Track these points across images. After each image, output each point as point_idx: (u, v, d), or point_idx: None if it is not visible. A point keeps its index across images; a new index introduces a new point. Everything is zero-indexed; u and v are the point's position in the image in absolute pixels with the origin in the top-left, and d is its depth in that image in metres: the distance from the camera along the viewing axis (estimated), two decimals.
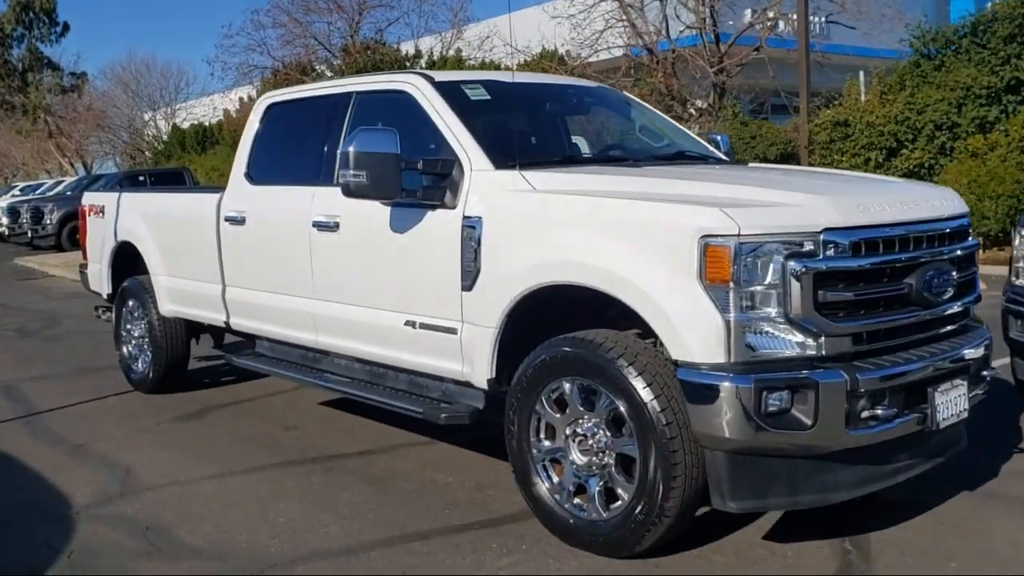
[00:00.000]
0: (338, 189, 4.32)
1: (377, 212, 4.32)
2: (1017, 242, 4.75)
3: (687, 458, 3.28)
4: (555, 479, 3.70)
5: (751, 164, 6.17)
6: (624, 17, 17.37)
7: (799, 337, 3.20)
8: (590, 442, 3.55)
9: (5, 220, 23.40)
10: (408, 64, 21.87)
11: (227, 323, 5.71)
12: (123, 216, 6.60)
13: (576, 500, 3.63)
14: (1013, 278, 4.77)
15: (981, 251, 10.76)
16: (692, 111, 17.41)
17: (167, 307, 6.18)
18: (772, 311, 3.18)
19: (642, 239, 3.37)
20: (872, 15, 16.94)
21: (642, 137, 5.21)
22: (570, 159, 4.75)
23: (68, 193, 23.74)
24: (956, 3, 21.62)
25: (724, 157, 5.10)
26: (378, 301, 4.48)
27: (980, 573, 3.38)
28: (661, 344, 3.38)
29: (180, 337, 6.37)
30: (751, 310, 3.18)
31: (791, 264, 3.16)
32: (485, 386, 3.99)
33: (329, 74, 22.64)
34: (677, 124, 5.61)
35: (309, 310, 4.90)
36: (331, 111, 4.94)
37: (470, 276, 3.96)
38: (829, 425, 3.18)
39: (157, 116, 39.28)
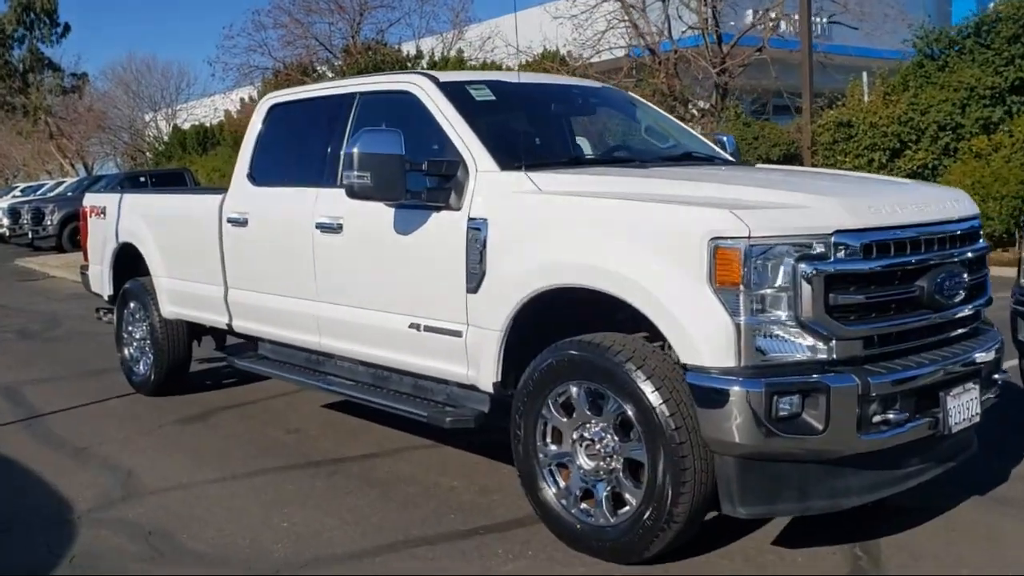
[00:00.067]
0: (342, 190, 4.28)
1: (381, 214, 4.29)
2: None
3: (696, 463, 3.24)
4: (562, 484, 3.66)
5: (758, 165, 6.13)
6: (626, 17, 17.34)
7: (810, 340, 3.15)
8: (597, 447, 3.51)
9: (6, 221, 23.38)
10: (409, 65, 21.84)
11: (229, 325, 5.68)
12: (124, 217, 6.57)
13: (583, 505, 3.59)
14: (1021, 280, 4.73)
15: None
16: (694, 112, 17.38)
17: (169, 309, 6.15)
18: (783, 314, 3.14)
19: (650, 241, 3.33)
20: (875, 15, 16.90)
21: (648, 138, 5.17)
22: (576, 160, 4.72)
23: (69, 194, 23.71)
24: (958, 4, 21.59)
25: (730, 158, 5.07)
26: (382, 303, 4.45)
27: None
28: (669, 348, 3.34)
29: (182, 339, 6.34)
30: (761, 313, 3.14)
31: (802, 266, 3.12)
32: (491, 390, 3.95)
33: (330, 75, 22.61)
34: (683, 125, 5.57)
35: (312, 312, 4.86)
36: (334, 112, 4.90)
37: (475, 278, 3.92)
38: (840, 430, 3.13)
39: (158, 117, 39.27)
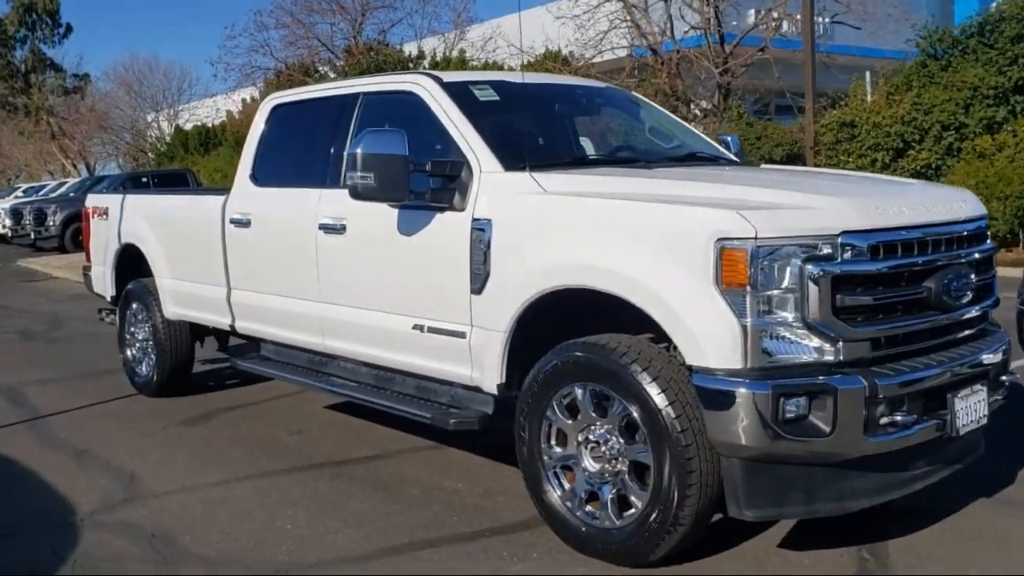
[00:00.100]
0: (345, 191, 4.27)
1: (384, 214, 4.27)
2: None
3: (702, 465, 3.22)
4: (567, 486, 3.64)
5: (763, 165, 6.11)
6: (628, 17, 17.32)
7: (817, 342, 3.13)
8: (603, 449, 3.49)
9: (8, 221, 23.39)
10: (411, 65, 21.82)
11: (232, 326, 5.66)
12: (127, 218, 6.55)
13: (588, 508, 3.57)
14: None
15: None
16: (697, 112, 17.35)
17: (171, 310, 6.13)
18: (789, 315, 3.12)
19: (656, 242, 3.30)
20: (878, 15, 16.87)
21: (652, 138, 5.15)
22: (581, 160, 4.69)
23: (71, 194, 23.71)
24: (960, 4, 21.55)
25: (735, 158, 5.04)
26: (385, 304, 4.43)
27: None
28: (675, 349, 3.32)
29: (184, 340, 6.33)
30: (768, 314, 3.12)
31: (809, 267, 3.10)
32: (495, 391, 3.93)
33: (332, 75, 22.60)
34: (687, 125, 5.55)
35: (315, 313, 4.85)
36: (337, 112, 4.88)
37: (479, 279, 3.90)
38: (847, 432, 3.11)
39: (160, 117, 39.27)
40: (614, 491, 3.48)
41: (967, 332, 3.63)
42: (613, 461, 3.47)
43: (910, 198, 3.60)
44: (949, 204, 3.67)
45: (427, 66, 21.76)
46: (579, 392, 3.54)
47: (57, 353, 8.72)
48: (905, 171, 13.25)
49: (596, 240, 3.49)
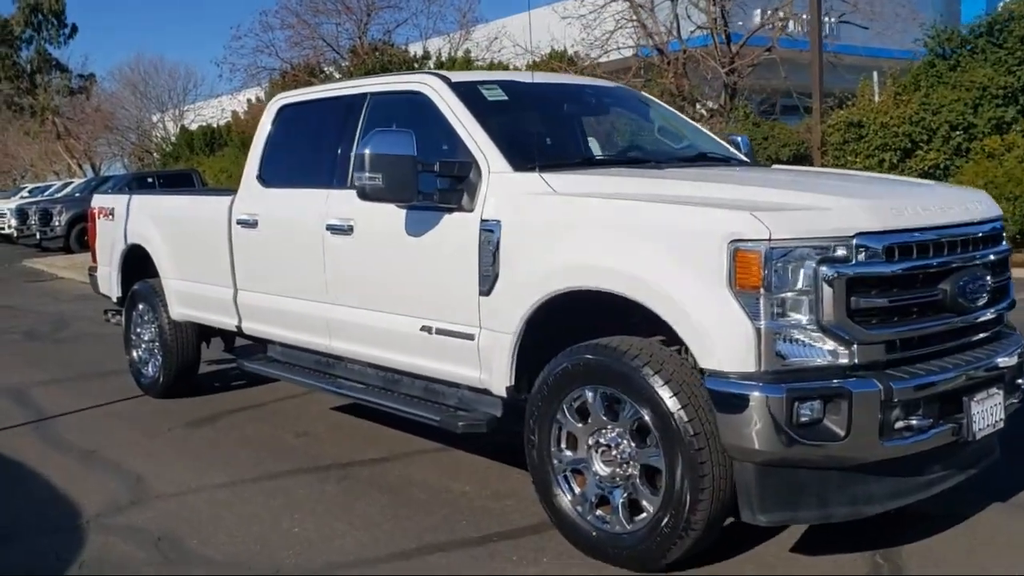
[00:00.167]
0: (352, 192, 4.24)
1: (392, 215, 4.24)
2: None
3: (715, 470, 3.18)
4: (577, 490, 3.60)
5: (774, 166, 6.07)
6: (634, 17, 17.27)
7: (831, 345, 3.09)
8: (614, 453, 3.45)
9: (14, 222, 23.40)
10: (416, 65, 21.80)
11: (239, 327, 5.63)
12: (133, 219, 6.53)
13: (599, 512, 3.53)
14: None
15: None
16: (703, 112, 17.29)
17: (178, 311, 6.11)
18: (803, 318, 3.08)
19: (668, 244, 3.27)
20: (885, 15, 16.80)
21: (662, 138, 5.11)
22: (590, 161, 4.66)
23: (77, 195, 23.74)
24: (967, 4, 21.47)
25: (745, 159, 5.00)
26: (393, 306, 4.40)
27: None
28: (687, 352, 3.28)
29: (191, 341, 6.30)
30: (782, 317, 3.08)
31: (823, 269, 3.06)
32: (504, 393, 3.89)
33: (337, 76, 22.59)
34: (697, 125, 5.51)
35: (322, 314, 4.82)
36: (345, 112, 4.85)
37: (488, 281, 3.87)
38: (862, 436, 3.07)
39: (165, 118, 39.31)
40: (625, 495, 3.44)
41: (982, 335, 3.58)
42: (624, 465, 3.43)
43: (925, 199, 3.56)
44: (964, 205, 3.62)
45: (432, 66, 21.73)
46: (590, 395, 3.50)
47: (63, 354, 8.70)
48: (913, 171, 13.19)
49: (607, 241, 3.45)
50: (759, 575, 3.42)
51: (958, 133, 13.14)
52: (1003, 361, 3.51)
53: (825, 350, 3.09)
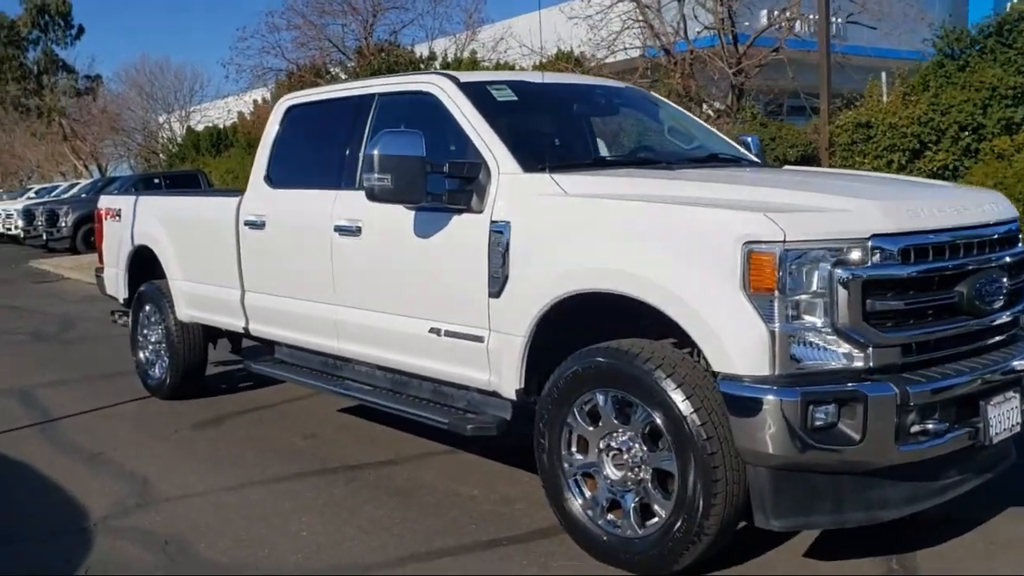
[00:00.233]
0: (361, 193, 4.21)
1: (401, 216, 4.21)
2: None
3: (728, 474, 3.15)
4: (588, 494, 3.57)
5: (786, 167, 6.03)
6: (641, 18, 17.21)
7: (846, 348, 3.05)
8: (625, 456, 3.42)
9: (20, 222, 23.43)
10: (422, 66, 21.78)
11: (246, 329, 5.61)
12: (140, 220, 6.52)
13: (610, 516, 3.50)
14: None
15: None
16: (710, 112, 17.24)
17: (185, 312, 6.09)
18: (818, 321, 3.04)
19: (681, 246, 3.23)
20: (893, 15, 16.73)
21: (672, 139, 5.07)
22: (601, 162, 4.63)
23: (83, 195, 23.74)
24: (975, 4, 21.36)
25: (756, 159, 4.96)
26: (402, 307, 4.37)
27: None
28: (699, 354, 3.25)
29: (197, 342, 6.28)
30: (796, 320, 3.04)
31: (838, 271, 3.02)
32: (513, 396, 3.86)
33: (343, 76, 22.57)
34: (707, 125, 5.48)
35: (330, 316, 4.79)
36: (353, 113, 4.83)
37: (498, 283, 3.84)
38: (878, 440, 3.03)
39: (171, 118, 39.35)
40: (637, 499, 3.40)
41: (998, 338, 3.53)
42: (636, 469, 3.39)
43: (940, 200, 3.51)
44: (980, 206, 3.58)
45: (438, 67, 21.72)
46: (601, 398, 3.46)
47: (69, 355, 8.69)
48: (922, 172, 13.12)
49: (619, 243, 3.42)
50: None
51: (967, 134, 13.06)
52: (1019, 364, 3.47)
53: (840, 353, 3.06)
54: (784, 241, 3.00)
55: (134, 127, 40.02)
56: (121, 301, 6.92)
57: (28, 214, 23.08)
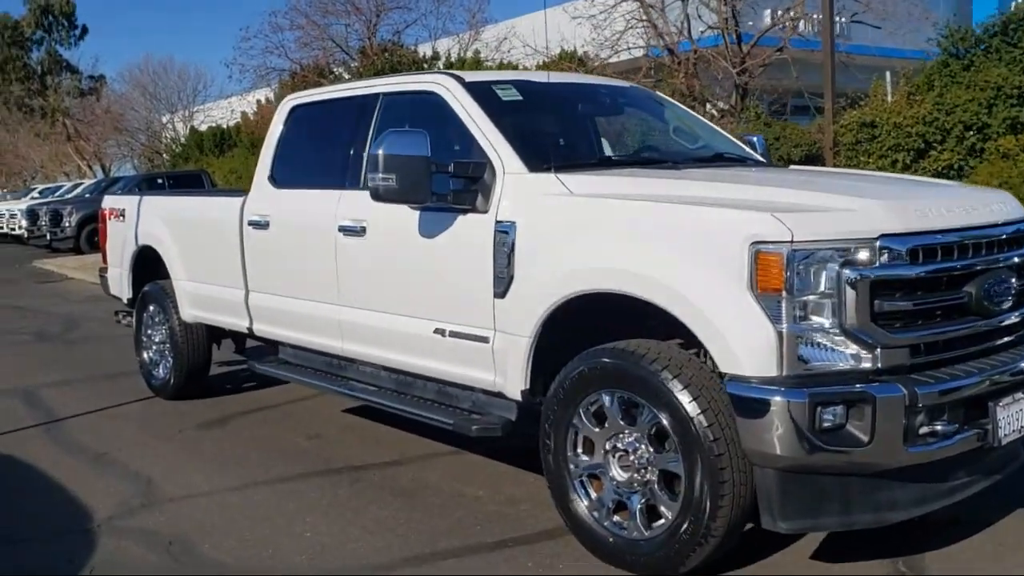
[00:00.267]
0: (365, 192, 4.20)
1: (406, 216, 4.19)
2: None
3: (735, 475, 3.13)
4: (594, 496, 3.55)
5: (791, 166, 6.01)
6: (645, 17, 17.19)
7: (854, 349, 3.03)
8: (631, 458, 3.40)
9: (24, 222, 23.43)
10: (426, 66, 21.77)
11: (250, 329, 5.60)
12: (144, 220, 6.51)
13: (616, 518, 3.48)
14: None
15: None
16: (714, 112, 17.21)
17: (188, 312, 6.08)
18: (826, 321, 3.02)
19: (688, 246, 3.21)
20: (898, 14, 16.69)
21: (677, 139, 5.05)
22: (606, 161, 4.61)
23: (87, 195, 23.75)
24: (979, 3, 21.32)
25: (761, 159, 4.94)
26: (406, 308, 4.35)
27: None
28: (706, 355, 3.23)
29: (201, 343, 6.27)
30: (804, 320, 3.02)
31: (846, 272, 3.00)
32: (518, 397, 3.84)
33: (347, 76, 22.57)
34: (713, 125, 5.46)
35: (334, 316, 4.78)
36: (357, 113, 4.82)
37: (503, 283, 3.82)
38: (886, 442, 3.01)
39: (175, 119, 39.38)
40: (643, 501, 3.39)
41: (1007, 339, 3.51)
42: (642, 470, 3.38)
43: (948, 200, 3.49)
44: (988, 206, 3.56)
45: (442, 67, 21.70)
46: (607, 399, 3.45)
47: (73, 355, 8.69)
48: (927, 172, 13.08)
49: (625, 243, 3.40)
50: None
51: (972, 133, 13.03)
52: None
53: (848, 354, 3.04)
54: (792, 241, 2.98)
55: (138, 127, 40.06)
56: (125, 301, 6.92)
57: (32, 214, 23.08)
